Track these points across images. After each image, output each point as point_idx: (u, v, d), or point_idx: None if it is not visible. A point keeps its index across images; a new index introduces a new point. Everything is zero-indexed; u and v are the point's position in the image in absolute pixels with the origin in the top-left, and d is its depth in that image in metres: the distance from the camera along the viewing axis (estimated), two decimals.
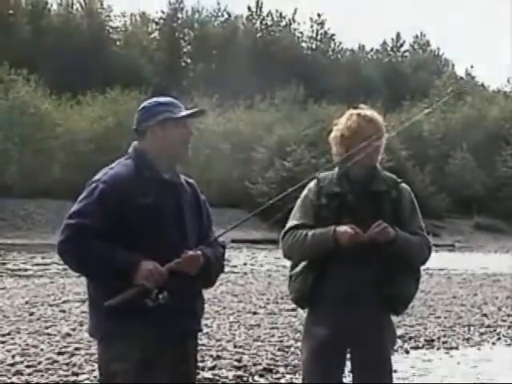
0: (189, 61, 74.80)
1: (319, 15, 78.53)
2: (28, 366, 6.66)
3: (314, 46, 79.10)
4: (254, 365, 7.10)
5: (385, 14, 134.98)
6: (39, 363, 6.79)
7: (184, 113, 3.42)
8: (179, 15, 74.05)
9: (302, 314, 4.41)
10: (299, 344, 6.16)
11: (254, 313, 10.54)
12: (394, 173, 3.96)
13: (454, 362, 7.99)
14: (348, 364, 3.80)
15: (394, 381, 3.86)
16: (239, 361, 7.20)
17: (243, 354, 7.51)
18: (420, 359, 8.03)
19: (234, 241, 28.19)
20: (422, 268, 3.89)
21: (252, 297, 12.49)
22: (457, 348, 8.74)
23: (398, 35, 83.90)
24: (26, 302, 11.12)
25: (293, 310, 10.24)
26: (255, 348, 7.86)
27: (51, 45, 58.73)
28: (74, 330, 8.62)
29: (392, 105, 54.28)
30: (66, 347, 7.53)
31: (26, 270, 18.97)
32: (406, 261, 3.73)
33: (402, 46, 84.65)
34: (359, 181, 3.79)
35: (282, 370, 7.07)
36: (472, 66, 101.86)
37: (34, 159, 42.74)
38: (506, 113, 60.95)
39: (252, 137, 50.47)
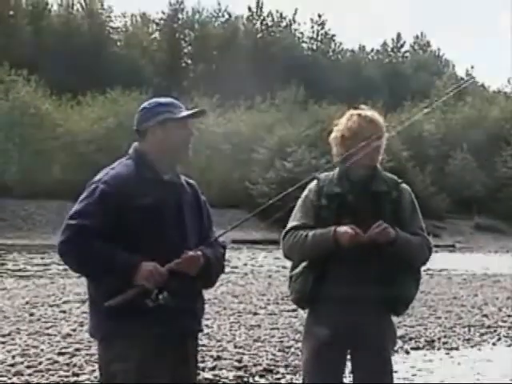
0: (189, 61, 74.84)
1: (320, 16, 78.67)
2: (28, 367, 6.67)
3: (314, 47, 79.12)
4: (255, 365, 7.10)
5: (385, 15, 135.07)
6: (39, 364, 6.80)
7: (184, 113, 3.43)
8: (180, 16, 74.07)
9: (303, 314, 4.41)
10: (299, 345, 6.17)
11: (255, 313, 10.54)
12: (395, 173, 3.96)
13: (454, 363, 7.99)
14: (348, 364, 3.80)
15: (395, 381, 3.86)
16: (239, 361, 7.20)
17: (243, 354, 7.51)
18: (420, 360, 8.03)
19: (234, 241, 28.20)
20: (423, 268, 3.89)
21: (252, 297, 12.49)
22: (457, 349, 8.74)
23: (399, 36, 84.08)
24: (27, 303, 11.12)
25: (293, 310, 10.24)
26: (255, 348, 7.87)
27: (51, 45, 58.80)
28: (74, 330, 8.61)
29: (393, 105, 54.24)
30: (66, 348, 7.53)
31: (26, 270, 18.98)
32: (407, 261, 3.73)
33: (402, 46, 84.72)
34: (359, 181, 3.79)
35: (282, 370, 7.07)
36: (472, 67, 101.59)
37: (34, 160, 42.73)
38: (506, 113, 60.94)
39: (252, 137, 50.46)
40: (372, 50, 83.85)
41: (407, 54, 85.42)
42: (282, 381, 6.77)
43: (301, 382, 3.95)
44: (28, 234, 37.27)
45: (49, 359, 6.97)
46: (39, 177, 41.95)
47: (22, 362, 6.83)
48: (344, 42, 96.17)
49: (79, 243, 3.17)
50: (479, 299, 13.25)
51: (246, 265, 22.26)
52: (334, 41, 79.73)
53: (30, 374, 6.43)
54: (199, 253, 3.31)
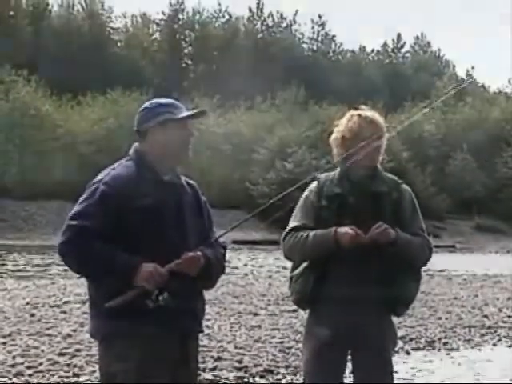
0: (190, 62, 74.83)
1: (320, 16, 78.68)
2: (29, 367, 6.67)
3: (314, 47, 79.13)
4: (255, 366, 7.10)
5: (385, 15, 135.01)
6: (40, 364, 6.80)
7: (184, 114, 3.43)
8: (180, 16, 74.06)
9: (303, 315, 4.41)
10: (300, 345, 6.17)
11: (255, 314, 10.54)
12: (395, 174, 3.96)
13: (454, 363, 7.99)
14: (349, 365, 3.80)
15: (395, 382, 3.86)
16: (240, 362, 7.20)
17: (244, 355, 7.51)
18: (421, 360, 8.03)
19: (234, 242, 28.20)
20: (423, 269, 3.89)
21: (253, 298, 12.49)
22: (457, 349, 8.74)
23: (399, 36, 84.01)
24: (27, 303, 11.12)
25: (294, 311, 10.23)
26: (256, 349, 7.87)
27: (52, 46, 58.83)
28: (74, 331, 8.61)
29: (393, 106, 54.24)
30: (66, 348, 7.53)
31: (26, 271, 18.98)
32: (407, 262, 3.73)
33: (402, 47, 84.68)
34: (360, 182, 3.79)
35: (282, 371, 7.07)
36: (473, 67, 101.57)
37: (34, 160, 42.74)
38: (506, 114, 60.92)
39: (253, 138, 50.47)
40: (372, 51, 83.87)
41: (407, 55, 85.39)
42: (283, 381, 6.77)
43: (301, 382, 3.95)
44: (28, 235, 37.28)
45: (49, 360, 6.97)
46: (39, 178, 41.92)
47: (22, 363, 6.83)
48: (344, 43, 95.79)
49: (80, 244, 3.17)
50: (479, 300, 13.24)
51: (246, 265, 22.26)
52: (334, 41, 79.77)
53: (30, 375, 6.44)
54: (199, 253, 3.31)
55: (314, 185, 3.84)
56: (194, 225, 3.43)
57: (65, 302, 11.31)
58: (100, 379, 3.41)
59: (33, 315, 9.89)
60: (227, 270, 3.76)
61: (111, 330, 3.25)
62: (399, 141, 48.08)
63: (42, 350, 7.43)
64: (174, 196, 3.40)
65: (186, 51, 75.08)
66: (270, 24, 76.45)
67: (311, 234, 3.70)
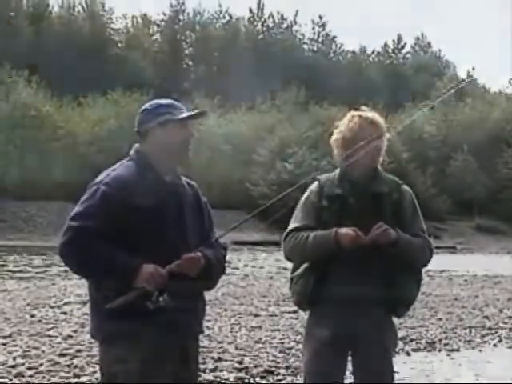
0: (190, 63, 74.83)
1: (321, 17, 78.72)
2: (29, 368, 6.67)
3: (315, 48, 79.14)
4: (256, 367, 7.10)
5: (386, 16, 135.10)
6: (40, 365, 6.80)
7: (185, 114, 3.43)
8: (181, 17, 74.10)
9: (304, 315, 4.41)
10: (300, 346, 6.17)
11: (256, 315, 10.54)
12: (396, 175, 3.96)
13: (455, 364, 7.99)
14: (349, 365, 3.80)
15: (395, 382, 3.87)
16: (240, 363, 7.20)
17: (244, 355, 7.51)
18: (421, 361, 8.03)
19: (235, 243, 28.19)
20: (424, 270, 3.89)
21: (253, 299, 12.50)
22: (458, 350, 8.73)
23: (399, 37, 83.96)
24: (28, 304, 11.12)
25: (294, 312, 10.23)
26: (256, 350, 7.86)
27: (52, 47, 58.79)
28: (75, 331, 8.62)
29: (393, 106, 54.21)
30: (67, 349, 7.53)
31: (27, 271, 18.97)
32: (408, 263, 3.73)
33: (403, 47, 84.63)
34: (360, 182, 3.79)
35: (283, 371, 7.06)
36: (473, 68, 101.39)
37: (35, 161, 42.73)
38: (507, 115, 60.83)
39: (253, 138, 50.46)
40: (373, 52, 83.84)
41: (408, 56, 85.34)
42: (283, 382, 6.76)
43: (302, 383, 3.95)
44: (29, 236, 37.27)
45: (50, 360, 6.97)
46: (40, 178, 41.91)
47: (23, 364, 6.83)
48: (345, 44, 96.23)
49: (80, 245, 3.17)
50: (480, 300, 13.24)
51: (246, 266, 22.25)
52: (334, 42, 79.77)
53: (31, 376, 6.44)
54: (199, 254, 3.31)
55: (314, 185, 3.84)
56: (195, 225, 3.43)
57: (65, 303, 11.31)
58: (101, 380, 3.41)
59: (33, 316, 9.89)
60: (227, 271, 3.76)
61: (112, 330, 3.25)
62: (400, 142, 48.05)
63: (43, 351, 7.43)
64: (175, 196, 3.40)
65: (186, 52, 75.12)
66: (271, 25, 76.49)
67: (312, 234, 3.70)
